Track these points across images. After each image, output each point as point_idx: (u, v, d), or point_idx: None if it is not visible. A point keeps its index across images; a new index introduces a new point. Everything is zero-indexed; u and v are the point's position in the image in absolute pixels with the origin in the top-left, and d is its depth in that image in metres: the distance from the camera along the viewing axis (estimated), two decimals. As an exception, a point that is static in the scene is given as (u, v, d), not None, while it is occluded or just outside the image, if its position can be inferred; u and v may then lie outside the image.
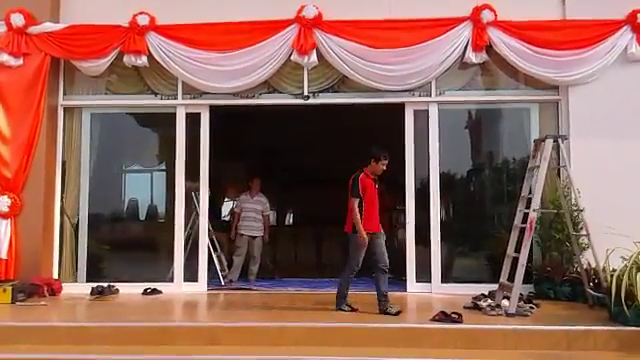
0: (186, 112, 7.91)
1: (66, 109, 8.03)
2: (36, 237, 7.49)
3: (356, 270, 6.35)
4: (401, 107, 7.77)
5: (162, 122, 8.20)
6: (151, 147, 8.93)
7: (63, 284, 7.61)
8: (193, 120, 7.94)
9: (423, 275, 7.61)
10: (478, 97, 7.86)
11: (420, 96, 7.73)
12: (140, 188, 9.10)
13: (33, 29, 7.61)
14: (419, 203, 7.73)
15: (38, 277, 7.35)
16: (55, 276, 7.72)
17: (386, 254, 6.35)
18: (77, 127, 8.08)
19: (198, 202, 8.01)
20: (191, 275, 7.83)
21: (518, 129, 7.92)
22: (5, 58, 7.53)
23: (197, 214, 8.05)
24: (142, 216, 9.00)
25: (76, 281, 7.84)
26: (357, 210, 6.19)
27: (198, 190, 8.01)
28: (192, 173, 7.91)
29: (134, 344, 5.43)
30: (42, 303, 6.84)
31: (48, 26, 7.64)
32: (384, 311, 6.11)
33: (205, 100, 7.89)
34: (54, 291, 7.34)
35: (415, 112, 7.78)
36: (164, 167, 8.70)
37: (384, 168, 6.32)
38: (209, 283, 8.11)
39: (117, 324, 5.83)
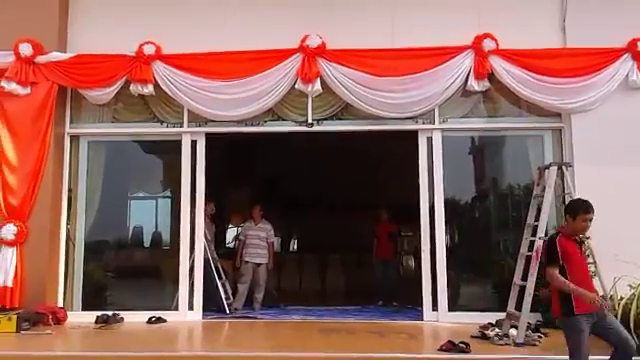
0: (192, 139, 7.96)
1: (72, 137, 8.08)
2: (42, 265, 7.48)
3: None
4: (403, 135, 7.82)
5: (168, 149, 8.23)
6: (156, 174, 8.96)
7: (68, 312, 7.57)
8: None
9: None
10: (481, 124, 7.90)
11: (423, 123, 7.78)
12: (145, 215, 9.10)
13: (41, 58, 7.69)
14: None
15: (43, 305, 7.32)
16: (60, 304, 7.69)
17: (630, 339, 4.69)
18: (83, 155, 8.12)
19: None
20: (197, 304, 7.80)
21: (529, 156, 7.87)
22: (13, 87, 7.59)
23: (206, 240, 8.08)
24: (147, 243, 8.99)
25: (81, 309, 7.80)
26: (561, 277, 4.55)
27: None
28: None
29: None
30: (47, 332, 6.80)
31: (55, 55, 7.72)
32: None
33: (210, 128, 7.93)
34: (59, 319, 7.29)
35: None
36: (169, 194, 8.73)
37: (588, 225, 4.77)
38: (214, 311, 8.10)
39: (122, 353, 5.80)
